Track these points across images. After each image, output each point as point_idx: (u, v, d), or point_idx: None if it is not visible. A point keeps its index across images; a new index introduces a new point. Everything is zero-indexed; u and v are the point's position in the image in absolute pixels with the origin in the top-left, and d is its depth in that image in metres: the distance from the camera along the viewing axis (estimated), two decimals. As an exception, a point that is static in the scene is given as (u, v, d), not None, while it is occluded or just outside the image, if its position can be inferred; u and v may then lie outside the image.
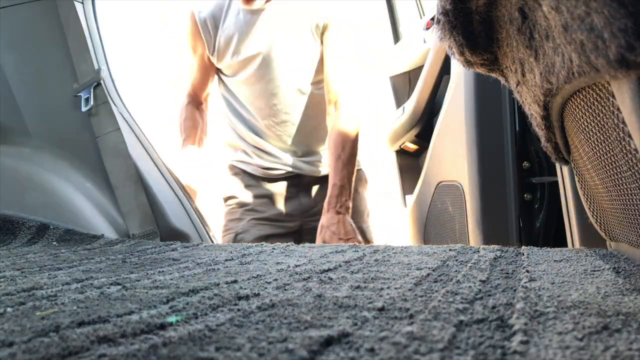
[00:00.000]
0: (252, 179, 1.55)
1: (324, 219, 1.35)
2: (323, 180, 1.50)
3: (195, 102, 1.60)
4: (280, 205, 1.53)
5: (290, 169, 1.52)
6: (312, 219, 1.50)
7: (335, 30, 1.46)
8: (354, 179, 1.40)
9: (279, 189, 1.54)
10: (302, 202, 1.53)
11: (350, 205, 1.38)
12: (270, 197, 1.54)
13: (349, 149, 1.39)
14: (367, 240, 1.50)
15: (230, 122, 1.57)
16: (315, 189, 1.55)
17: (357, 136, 1.43)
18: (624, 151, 0.50)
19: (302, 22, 1.46)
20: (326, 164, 1.50)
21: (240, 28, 1.46)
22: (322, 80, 1.49)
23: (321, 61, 1.49)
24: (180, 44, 1.60)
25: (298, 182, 1.54)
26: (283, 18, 1.46)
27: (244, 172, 1.56)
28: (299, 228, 1.54)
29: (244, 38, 1.46)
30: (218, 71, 1.56)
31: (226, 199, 1.60)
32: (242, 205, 1.55)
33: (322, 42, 1.47)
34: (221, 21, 1.48)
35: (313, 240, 1.39)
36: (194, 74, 1.56)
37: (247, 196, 1.55)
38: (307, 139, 1.52)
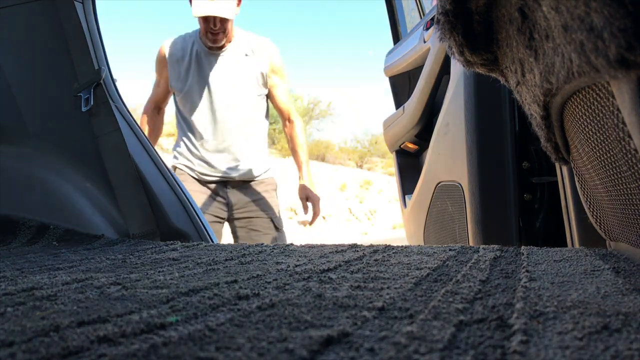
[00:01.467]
0: (193, 180, 2.01)
1: (304, 187, 2.04)
2: (244, 183, 2.01)
3: (155, 110, 2.08)
4: (212, 200, 2.00)
5: (222, 175, 2.00)
6: (238, 211, 1.99)
7: (279, 70, 2.05)
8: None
9: (213, 188, 2.01)
10: (230, 200, 2.00)
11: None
12: (205, 194, 2.01)
13: (307, 149, 2.14)
14: (277, 228, 2.02)
15: (182, 133, 2.02)
16: (239, 189, 2.01)
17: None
18: (624, 151, 0.50)
19: (250, 67, 1.97)
20: (248, 172, 2.01)
21: (198, 67, 1.93)
22: (259, 111, 2.04)
23: (267, 95, 2.06)
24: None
25: (226, 184, 2.02)
26: (235, 63, 1.95)
27: (187, 174, 2.00)
28: (228, 218, 2.01)
29: (199, 75, 1.93)
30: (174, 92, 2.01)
31: None
32: None
33: (267, 82, 2.01)
34: (183, 59, 1.94)
35: (241, 227, 1.99)
36: (158, 90, 2.04)
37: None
38: (237, 154, 1.99)
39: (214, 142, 1.96)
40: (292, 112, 2.12)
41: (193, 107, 1.95)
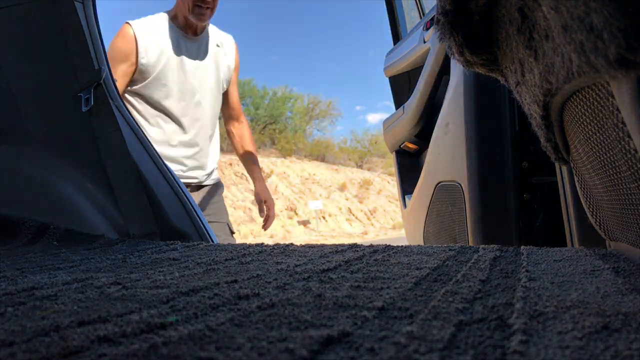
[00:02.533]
0: None
1: (262, 190, 2.00)
2: (205, 187, 1.92)
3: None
4: None
5: (188, 175, 1.88)
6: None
7: (238, 67, 2.00)
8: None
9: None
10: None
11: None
12: None
13: (255, 149, 2.11)
14: (232, 232, 1.96)
15: (140, 119, 1.81)
16: (200, 192, 1.92)
17: None
18: (624, 151, 0.50)
19: (220, 59, 1.90)
20: (211, 173, 1.93)
21: (175, 50, 1.78)
22: (219, 108, 1.94)
23: (226, 93, 1.99)
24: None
25: (189, 186, 1.89)
26: (210, 53, 1.86)
27: None
28: None
29: (175, 59, 1.78)
30: (132, 83, 1.79)
31: None
32: None
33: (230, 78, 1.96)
34: (157, 39, 1.75)
35: None
36: (124, 80, 1.76)
37: None
38: (204, 153, 1.89)
39: (184, 136, 1.82)
40: (241, 111, 2.07)
41: (162, 94, 1.77)
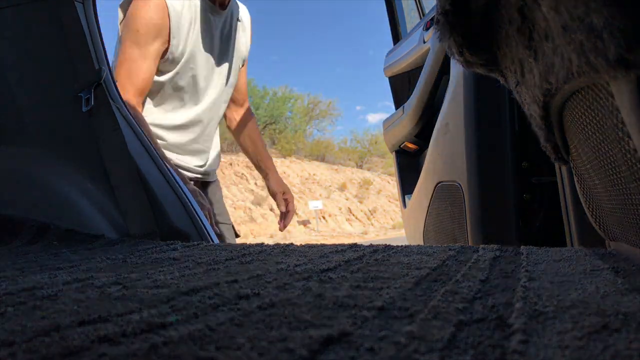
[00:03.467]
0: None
1: (278, 182, 1.77)
2: (211, 183, 1.73)
3: (142, 99, 1.46)
4: None
5: (203, 170, 1.69)
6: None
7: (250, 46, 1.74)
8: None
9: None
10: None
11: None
12: None
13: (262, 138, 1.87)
14: (237, 235, 1.78)
15: (161, 108, 1.55)
16: (209, 191, 1.73)
17: None
18: (623, 151, 0.50)
19: (240, 36, 1.65)
20: (216, 169, 1.74)
21: (203, 27, 1.48)
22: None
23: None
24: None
25: (203, 184, 1.70)
26: (233, 30, 1.61)
27: None
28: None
29: (202, 39, 1.50)
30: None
31: None
32: None
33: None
34: (184, 14, 1.42)
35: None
36: (147, 66, 1.40)
37: None
38: (214, 145, 1.69)
39: (203, 127, 1.58)
40: (247, 95, 1.80)
41: (188, 82, 1.50)
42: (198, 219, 1.41)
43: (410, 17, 2.40)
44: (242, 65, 1.73)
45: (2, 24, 1.39)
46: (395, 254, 0.80)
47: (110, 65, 1.42)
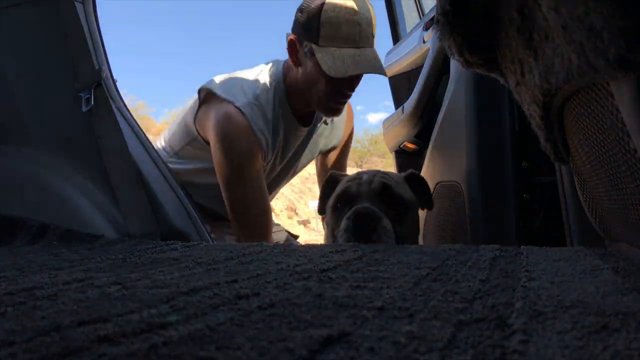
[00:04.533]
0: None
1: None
2: None
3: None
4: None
5: None
6: None
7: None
8: None
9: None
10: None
11: None
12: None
13: None
14: (293, 236, 1.86)
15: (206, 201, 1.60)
16: None
17: None
18: (623, 151, 0.50)
19: (320, 137, 1.66)
20: None
21: (288, 149, 1.50)
22: None
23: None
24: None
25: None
26: (310, 145, 1.62)
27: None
28: None
29: (292, 152, 1.55)
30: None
31: None
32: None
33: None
34: (268, 131, 1.40)
35: None
36: (263, 189, 1.37)
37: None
38: None
39: None
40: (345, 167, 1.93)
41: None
42: (198, 219, 1.41)
43: (410, 17, 2.40)
44: (325, 152, 1.75)
45: (2, 24, 1.39)
46: (395, 254, 0.80)
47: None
